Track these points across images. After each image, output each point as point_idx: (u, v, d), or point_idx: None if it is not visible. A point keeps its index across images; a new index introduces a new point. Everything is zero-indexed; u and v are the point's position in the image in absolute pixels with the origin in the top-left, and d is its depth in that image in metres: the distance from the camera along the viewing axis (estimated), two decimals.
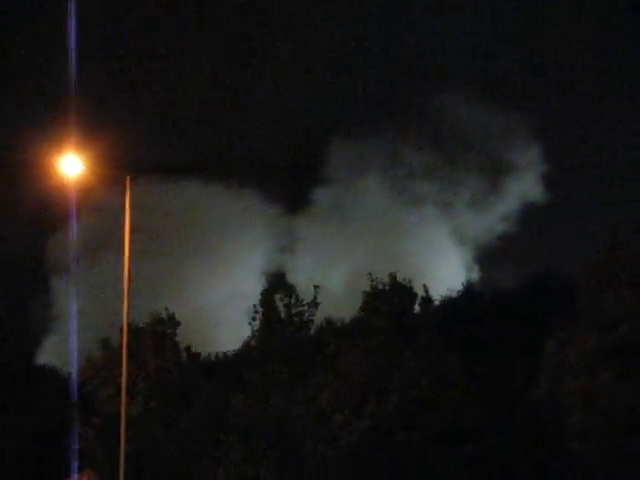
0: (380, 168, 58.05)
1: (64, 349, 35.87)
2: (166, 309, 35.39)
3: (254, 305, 34.45)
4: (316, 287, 33.87)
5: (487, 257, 53.46)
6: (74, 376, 31.71)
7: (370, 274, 31.50)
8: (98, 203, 36.73)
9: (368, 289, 31.43)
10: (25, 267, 53.82)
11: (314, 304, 33.17)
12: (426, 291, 31.61)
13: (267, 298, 34.11)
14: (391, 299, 30.61)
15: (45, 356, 43.10)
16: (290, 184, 58.53)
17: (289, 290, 33.80)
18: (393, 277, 31.11)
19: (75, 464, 32.07)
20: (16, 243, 53.26)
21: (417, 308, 31.49)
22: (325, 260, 54.36)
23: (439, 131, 63.05)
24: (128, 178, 24.36)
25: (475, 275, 47.74)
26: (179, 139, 66.02)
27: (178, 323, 35.39)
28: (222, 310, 45.30)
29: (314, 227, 55.93)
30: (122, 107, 69.45)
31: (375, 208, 56.49)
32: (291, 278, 35.48)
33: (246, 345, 34.71)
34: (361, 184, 57.06)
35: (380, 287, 31.05)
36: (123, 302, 24.30)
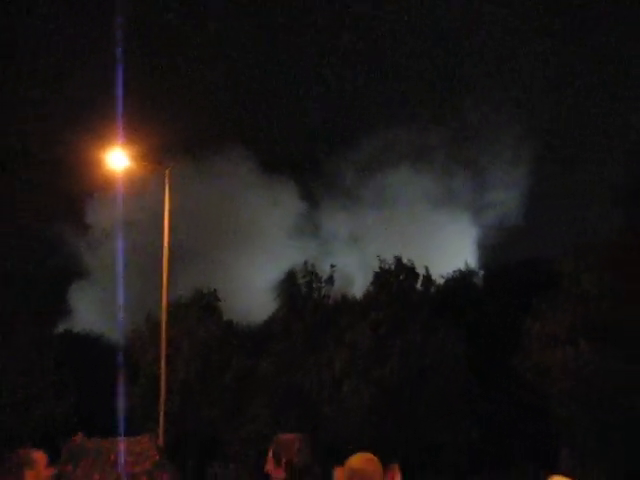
0: (402, 161, 60.87)
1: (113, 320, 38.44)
2: (208, 286, 38.34)
3: (280, 282, 37.23)
4: (332, 266, 36.22)
5: (484, 244, 56.39)
6: (122, 343, 34.34)
7: (379, 256, 33.94)
8: (143, 190, 38.83)
9: (377, 270, 33.92)
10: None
11: (330, 282, 35.56)
12: (427, 272, 33.97)
13: (291, 276, 36.67)
14: (397, 278, 32.97)
15: (96, 325, 45.62)
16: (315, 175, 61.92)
17: (310, 270, 36.17)
18: (398, 259, 33.46)
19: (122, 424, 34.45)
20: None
21: (420, 287, 33.99)
22: (343, 244, 57.19)
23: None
24: (167, 170, 26.34)
25: (473, 259, 49.98)
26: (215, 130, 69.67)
27: (218, 298, 38.23)
28: (253, 286, 47.73)
29: (335, 216, 58.69)
30: (164, 103, 72.93)
31: (389, 199, 59.54)
32: (313, 259, 37.59)
33: (272, 318, 37.27)
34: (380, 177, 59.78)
35: (387, 268, 33.50)
36: (162, 280, 26.30)
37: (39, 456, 5.34)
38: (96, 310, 49.50)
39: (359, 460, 5.19)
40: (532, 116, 76.29)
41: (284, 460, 5.30)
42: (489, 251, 53.52)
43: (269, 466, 5.39)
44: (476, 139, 77.99)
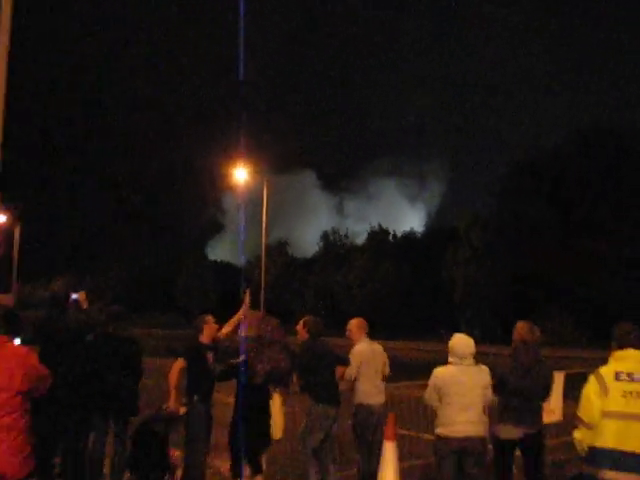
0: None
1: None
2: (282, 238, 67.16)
3: (320, 236, 65.96)
4: (347, 229, 64.93)
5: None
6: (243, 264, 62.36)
7: (370, 224, 62.08)
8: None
9: (369, 231, 62.18)
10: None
11: (346, 237, 64.13)
12: (395, 232, 62.15)
13: (326, 234, 65.31)
14: (377, 236, 61.01)
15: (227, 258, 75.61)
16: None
17: (335, 231, 64.78)
18: (379, 225, 61.49)
19: None
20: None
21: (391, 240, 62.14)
22: (353, 218, 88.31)
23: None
24: (265, 180, 52.36)
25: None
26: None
27: (288, 244, 66.79)
28: (307, 238, 76.56)
29: (350, 204, 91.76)
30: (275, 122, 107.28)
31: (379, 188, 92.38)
32: (337, 225, 67.43)
33: (316, 255, 66.07)
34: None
35: (373, 230, 61.72)
36: (262, 237, 52.67)
37: (209, 318, 7.97)
38: (228, 250, 79.51)
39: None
40: None
41: (307, 328, 8.06)
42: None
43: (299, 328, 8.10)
44: None
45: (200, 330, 7.86)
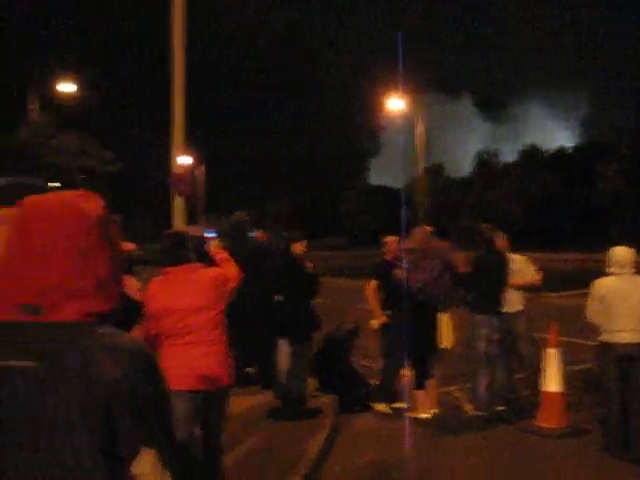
0: None
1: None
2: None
3: (474, 157, 64.61)
4: (497, 149, 63.23)
5: None
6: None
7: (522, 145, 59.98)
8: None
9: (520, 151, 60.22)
10: None
11: (497, 157, 62.61)
12: (545, 150, 59.77)
13: (480, 155, 63.87)
14: (528, 154, 58.98)
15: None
16: None
17: (486, 151, 63.28)
18: (531, 144, 59.38)
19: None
20: None
21: None
22: (509, 140, 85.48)
23: None
24: (420, 105, 52.77)
25: None
26: None
27: (443, 167, 66.11)
28: (462, 160, 75.11)
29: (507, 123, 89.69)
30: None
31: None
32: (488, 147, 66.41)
33: (469, 176, 64.89)
34: None
35: (524, 149, 59.72)
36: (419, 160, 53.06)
37: (390, 238, 8.62)
38: (385, 173, 79.77)
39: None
40: None
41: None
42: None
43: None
44: None
45: (384, 250, 8.43)
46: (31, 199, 1.61)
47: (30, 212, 1.58)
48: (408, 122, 50.96)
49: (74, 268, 1.53)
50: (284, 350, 7.80)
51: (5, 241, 1.58)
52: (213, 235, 5.41)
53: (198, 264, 4.72)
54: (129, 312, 4.02)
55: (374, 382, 8.46)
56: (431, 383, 7.84)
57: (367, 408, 8.19)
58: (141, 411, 1.50)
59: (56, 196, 1.62)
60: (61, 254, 1.53)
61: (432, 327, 7.70)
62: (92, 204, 1.61)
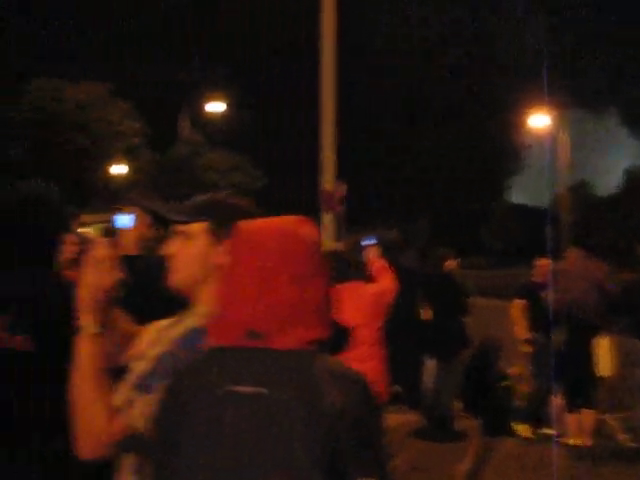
0: None
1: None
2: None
3: (622, 174, 61.40)
4: None
5: None
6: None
7: None
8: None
9: None
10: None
11: None
12: None
13: (629, 172, 60.78)
14: None
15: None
16: None
17: None
18: None
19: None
20: None
21: None
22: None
23: None
24: (564, 122, 50.44)
25: None
26: None
27: (587, 183, 63.28)
28: (608, 178, 71.24)
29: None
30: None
31: None
32: None
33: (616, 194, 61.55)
34: None
35: None
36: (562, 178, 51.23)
37: (541, 261, 8.18)
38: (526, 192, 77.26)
39: None
40: None
41: None
42: None
43: None
44: None
45: (534, 272, 8.18)
46: (250, 224, 1.64)
47: (254, 237, 1.61)
48: (551, 139, 51.17)
49: (298, 294, 1.56)
50: (431, 368, 7.77)
51: (227, 265, 1.61)
52: (373, 242, 5.50)
53: (359, 281, 4.83)
54: (337, 338, 4.14)
55: (519, 404, 8.26)
56: (587, 412, 7.46)
57: (510, 432, 7.96)
58: (363, 441, 1.47)
59: (273, 221, 1.65)
60: (287, 280, 1.55)
61: (586, 352, 7.41)
62: (310, 229, 1.65)
